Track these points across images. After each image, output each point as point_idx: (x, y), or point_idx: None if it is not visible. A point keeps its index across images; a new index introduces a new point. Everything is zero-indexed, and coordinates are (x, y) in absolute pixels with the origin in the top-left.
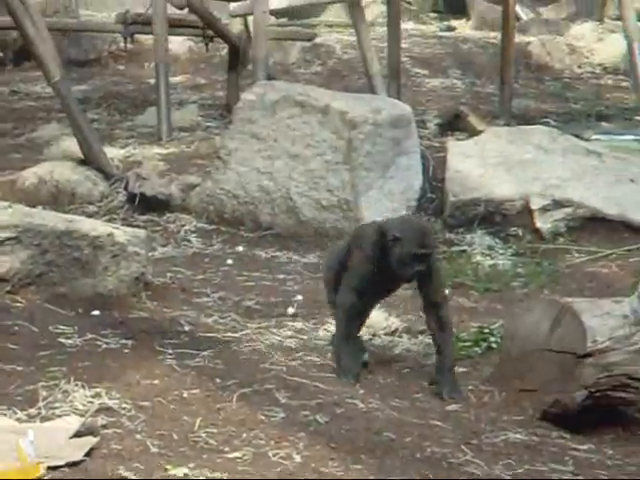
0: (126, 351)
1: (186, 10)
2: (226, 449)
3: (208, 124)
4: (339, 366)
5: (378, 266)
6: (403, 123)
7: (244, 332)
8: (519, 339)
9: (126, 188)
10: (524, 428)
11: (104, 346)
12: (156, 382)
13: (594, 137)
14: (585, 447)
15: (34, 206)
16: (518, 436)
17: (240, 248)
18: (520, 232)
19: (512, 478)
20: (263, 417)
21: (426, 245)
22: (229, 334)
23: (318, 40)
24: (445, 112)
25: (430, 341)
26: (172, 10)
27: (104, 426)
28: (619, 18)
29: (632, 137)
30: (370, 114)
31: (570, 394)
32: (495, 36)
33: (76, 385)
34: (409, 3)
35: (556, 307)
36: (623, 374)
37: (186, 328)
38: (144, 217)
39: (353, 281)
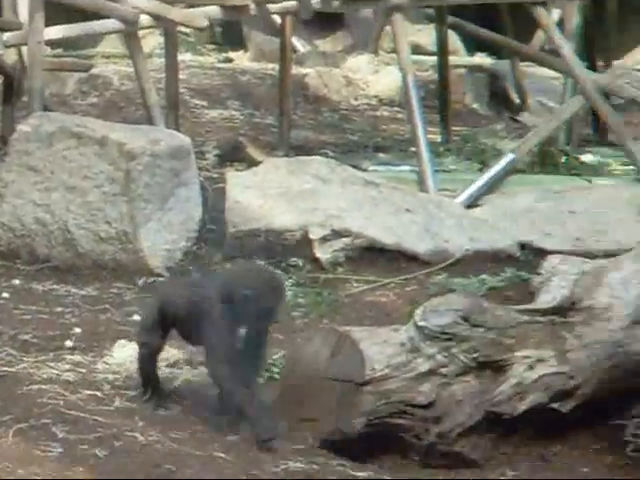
0: None
1: None
2: None
3: None
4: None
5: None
6: (182, 154)
7: (20, 366)
8: (300, 368)
9: None
10: (305, 457)
11: None
12: None
13: (371, 168)
14: (365, 474)
15: None
16: (299, 464)
17: (16, 281)
18: (300, 262)
19: None
20: (40, 452)
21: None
22: (5, 369)
23: (95, 71)
24: (224, 143)
25: None
26: None
27: None
28: (394, 51)
29: (408, 168)
30: (148, 145)
31: (349, 422)
32: (273, 67)
33: None
34: (186, 34)
35: (335, 336)
36: (401, 401)
37: None
38: None
39: (218, 352)
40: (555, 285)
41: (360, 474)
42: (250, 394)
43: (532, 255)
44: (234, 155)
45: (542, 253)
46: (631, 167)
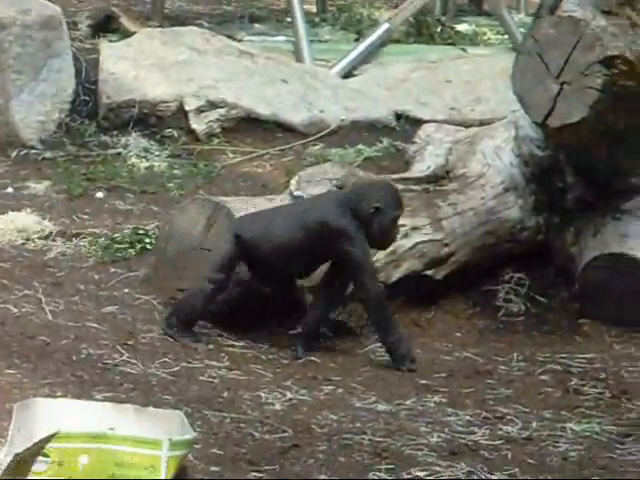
0: None
1: None
2: None
3: None
4: (398, 357)
5: None
6: (53, 24)
7: None
8: (175, 239)
9: None
10: None
11: None
12: None
13: (247, 38)
14: (241, 343)
15: None
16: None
17: None
18: (175, 134)
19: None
20: None
21: (402, 204)
22: None
23: None
24: (96, 13)
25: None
26: None
27: None
28: None
29: (283, 38)
30: (19, 15)
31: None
32: None
33: None
34: None
35: (210, 206)
36: None
37: None
38: None
39: (371, 271)
40: (429, 154)
41: (237, 343)
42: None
43: (408, 125)
44: (107, 26)
45: (418, 122)
46: (506, 36)
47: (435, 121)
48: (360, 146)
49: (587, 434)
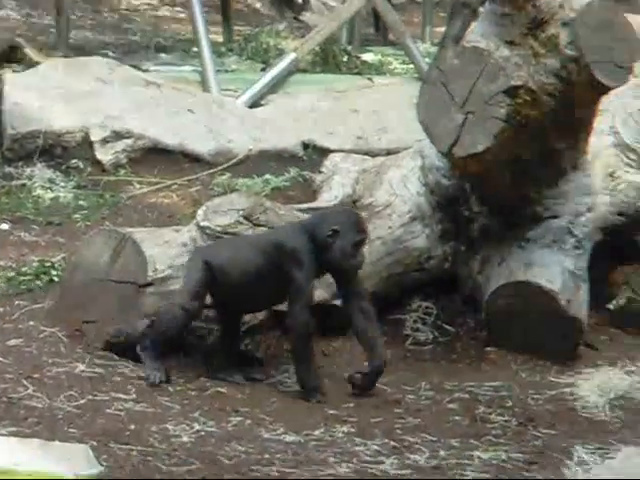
0: None
1: None
2: None
3: None
4: (309, 389)
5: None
6: None
7: None
8: (81, 271)
9: None
10: (87, 360)
11: None
12: None
13: (153, 68)
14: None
15: None
16: (81, 367)
17: None
18: (81, 164)
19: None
20: None
21: (364, 229)
22: None
23: None
24: (0, 43)
25: None
26: None
27: None
28: None
29: (190, 68)
30: None
31: (132, 323)
32: None
33: None
34: None
35: (116, 237)
36: None
37: None
38: None
39: (305, 299)
40: (336, 183)
41: (144, 374)
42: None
43: (315, 154)
44: (11, 56)
45: (325, 152)
46: (411, 66)
47: (342, 150)
48: (268, 176)
49: (494, 462)
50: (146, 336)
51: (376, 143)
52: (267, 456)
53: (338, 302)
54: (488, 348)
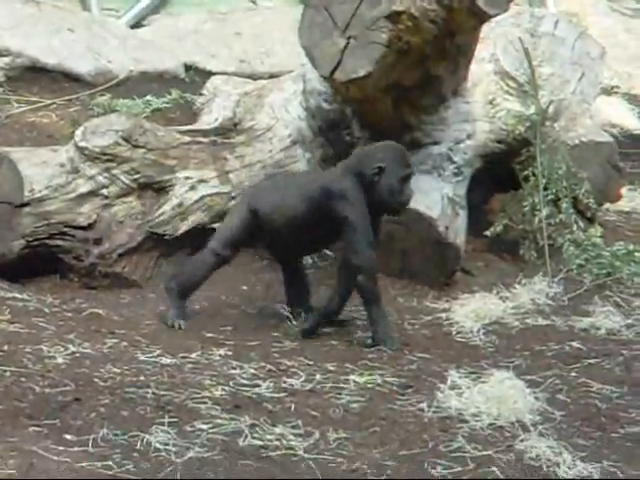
0: None
1: None
2: None
3: None
4: (382, 333)
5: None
6: None
7: None
8: None
9: None
10: None
11: None
12: None
13: None
14: (23, 296)
15: None
16: None
17: None
18: None
19: None
20: None
21: (410, 163)
22: None
23: None
24: None
25: None
26: None
27: None
28: None
29: None
30: None
31: (8, 244)
32: None
33: None
34: None
35: None
36: (60, 222)
37: None
38: None
39: (366, 236)
40: (217, 106)
41: (19, 295)
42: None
43: (197, 76)
44: None
45: (207, 74)
46: None
47: (225, 73)
48: (148, 97)
49: (369, 386)
50: (174, 276)
51: (259, 66)
52: (142, 378)
53: (217, 225)
54: None
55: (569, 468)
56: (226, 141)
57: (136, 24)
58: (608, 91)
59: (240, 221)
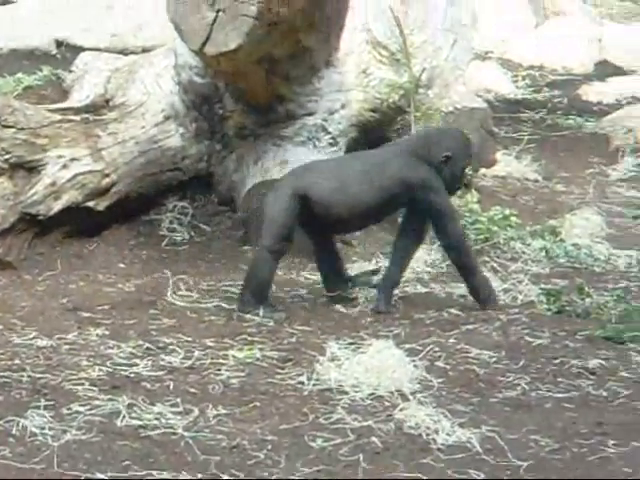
0: None
1: None
2: None
3: None
4: (485, 298)
5: None
6: None
7: None
8: None
9: None
10: None
11: None
12: None
13: None
14: None
15: None
16: None
17: None
18: None
19: None
20: None
21: (472, 152)
22: None
23: None
24: None
25: None
26: None
27: None
28: None
29: None
30: None
31: None
32: None
33: None
34: None
35: None
36: None
37: None
38: None
39: (453, 218)
40: (88, 82)
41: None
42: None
43: (69, 53)
44: None
45: (79, 50)
46: None
47: (97, 49)
48: (19, 75)
49: (249, 361)
50: (243, 294)
51: (132, 40)
52: (17, 361)
53: (91, 204)
54: (245, 247)
55: (448, 435)
56: (98, 118)
57: (6, 0)
58: (482, 57)
59: (286, 212)
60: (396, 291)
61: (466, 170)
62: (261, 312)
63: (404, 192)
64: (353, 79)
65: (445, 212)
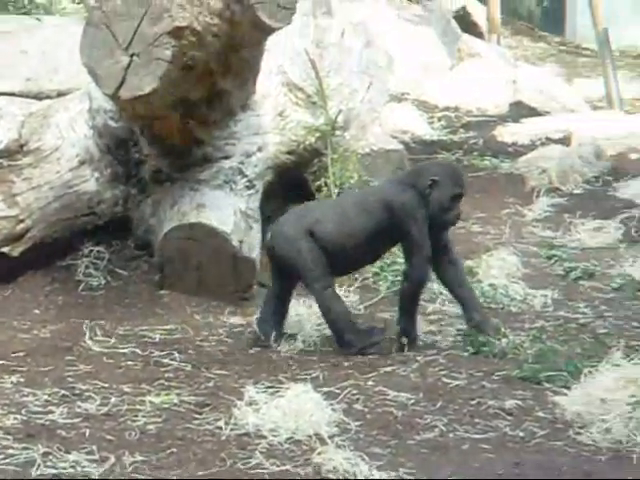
0: None
1: None
2: None
3: None
4: (410, 339)
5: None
6: None
7: None
8: None
9: None
10: None
11: None
12: None
13: None
14: None
15: None
16: None
17: None
18: None
19: None
20: None
21: (463, 183)
22: None
23: None
24: None
25: None
26: None
27: None
28: None
29: None
30: None
31: None
32: None
33: None
34: None
35: None
36: None
37: None
38: None
39: (426, 252)
40: (2, 127)
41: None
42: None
43: None
44: None
45: None
46: (81, 5)
47: (11, 93)
48: None
49: (166, 406)
50: (345, 344)
51: (47, 84)
52: None
53: (6, 249)
54: (162, 291)
55: (366, 478)
56: (12, 163)
57: None
58: (397, 98)
59: (308, 248)
60: (314, 332)
61: (457, 202)
62: (366, 343)
63: (387, 216)
64: (270, 122)
65: (416, 242)
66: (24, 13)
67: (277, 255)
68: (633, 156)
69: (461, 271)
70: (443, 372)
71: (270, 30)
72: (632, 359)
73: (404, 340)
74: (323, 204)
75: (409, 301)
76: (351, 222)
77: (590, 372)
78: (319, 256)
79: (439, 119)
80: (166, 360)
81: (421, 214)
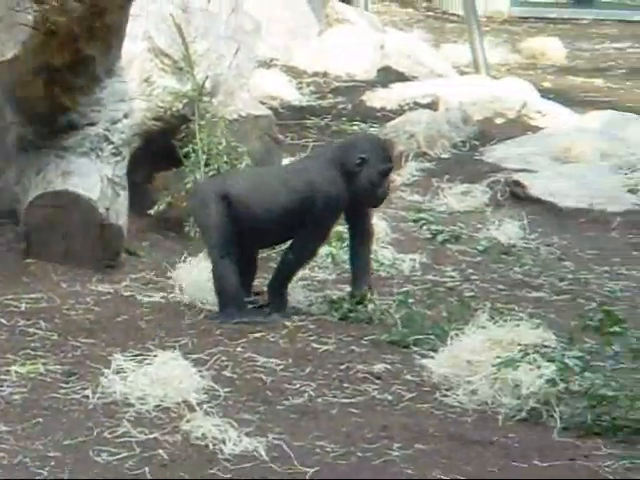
0: None
1: None
2: None
3: None
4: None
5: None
6: None
7: None
8: None
9: None
10: None
11: None
12: None
13: None
14: None
15: None
16: None
17: None
18: None
19: None
20: None
21: (392, 158)
22: None
23: None
24: None
25: None
26: None
27: None
28: None
29: None
30: None
31: None
32: None
33: None
34: None
35: None
36: None
37: None
38: None
39: (324, 239)
40: None
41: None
42: None
43: None
44: None
45: None
46: None
47: None
48: None
49: (32, 376)
50: (224, 315)
51: None
52: None
53: None
54: (28, 260)
55: (235, 445)
56: None
57: None
58: (266, 64)
59: (217, 218)
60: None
61: (386, 177)
62: (244, 319)
63: (309, 199)
64: (136, 88)
65: (322, 230)
66: None
67: (192, 215)
68: (499, 120)
69: (368, 243)
70: (312, 337)
71: None
72: (497, 321)
73: (273, 306)
74: (246, 173)
75: (287, 273)
76: (270, 196)
77: (457, 335)
78: (225, 222)
79: (308, 85)
80: (32, 329)
81: (336, 201)
